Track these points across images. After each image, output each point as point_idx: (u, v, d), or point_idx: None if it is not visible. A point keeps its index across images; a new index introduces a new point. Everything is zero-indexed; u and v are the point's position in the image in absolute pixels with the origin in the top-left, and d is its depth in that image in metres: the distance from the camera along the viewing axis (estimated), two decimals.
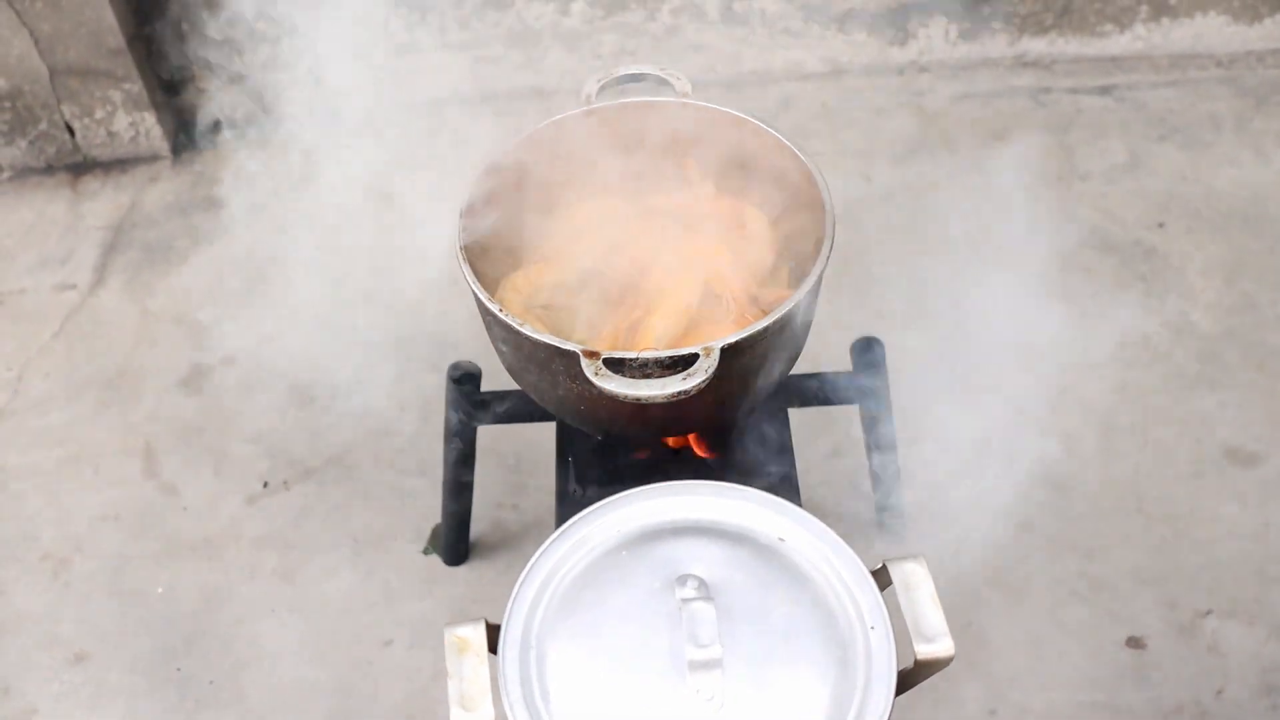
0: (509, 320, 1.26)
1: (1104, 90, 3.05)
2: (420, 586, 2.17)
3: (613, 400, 1.19)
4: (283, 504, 2.29)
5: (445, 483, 2.01)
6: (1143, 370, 2.39)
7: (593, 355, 1.20)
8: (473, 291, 1.31)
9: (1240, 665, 1.99)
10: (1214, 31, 3.08)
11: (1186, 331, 2.48)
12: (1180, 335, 2.47)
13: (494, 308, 1.27)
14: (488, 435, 2.21)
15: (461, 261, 1.33)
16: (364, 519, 2.26)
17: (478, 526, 2.20)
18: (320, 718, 2.01)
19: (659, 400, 1.17)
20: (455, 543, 2.15)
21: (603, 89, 1.53)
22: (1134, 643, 2.03)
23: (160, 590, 2.18)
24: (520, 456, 2.31)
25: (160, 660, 2.09)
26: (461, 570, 2.18)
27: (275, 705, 2.03)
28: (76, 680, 2.07)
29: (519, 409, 1.79)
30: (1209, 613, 2.06)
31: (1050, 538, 2.15)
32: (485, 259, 1.49)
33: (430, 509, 2.22)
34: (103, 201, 2.90)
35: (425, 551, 2.20)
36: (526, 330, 1.25)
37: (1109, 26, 3.07)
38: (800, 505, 1.44)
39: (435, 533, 2.21)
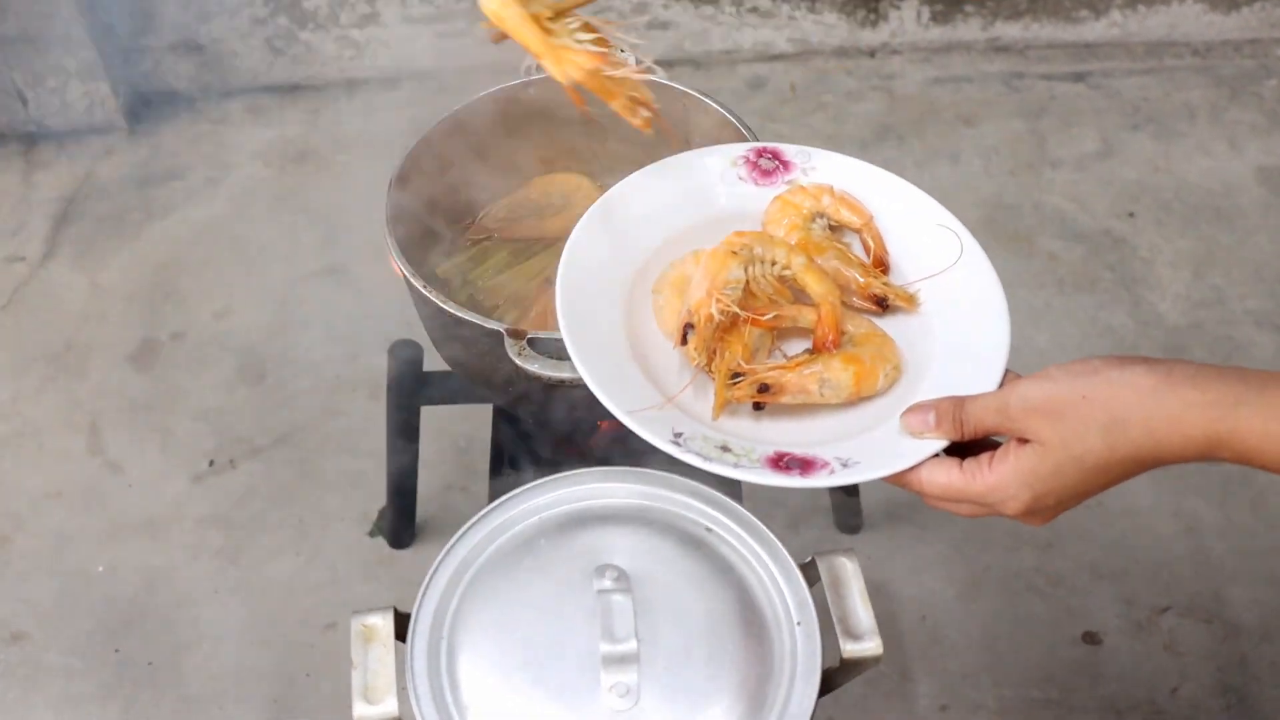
0: (433, 298, 1.22)
1: (1078, 77, 3.02)
2: (366, 569, 2.13)
3: (539, 381, 1.15)
4: (229, 483, 2.24)
5: (389, 464, 1.97)
6: None
7: (517, 335, 1.16)
8: (399, 268, 1.26)
9: (1196, 663, 1.97)
10: (1190, 20, 3.05)
11: (1153, 323, 2.45)
12: (1146, 327, 2.44)
13: (418, 284, 1.23)
14: (439, 417, 2.17)
15: (388, 236, 1.28)
16: (310, 500, 2.21)
17: (427, 509, 2.16)
18: (261, 701, 1.97)
19: (582, 382, 1.12)
20: (401, 525, 2.11)
21: None
22: (1090, 639, 2.00)
23: (101, 570, 2.13)
24: (471, 438, 2.27)
25: (99, 641, 2.05)
26: (407, 553, 2.14)
27: (215, 688, 1.99)
28: (13, 660, 2.03)
29: (460, 389, 1.75)
30: (1167, 609, 2.03)
31: (1008, 531, 2.12)
32: (421, 236, 1.45)
33: (378, 491, 2.17)
34: (55, 172, 2.85)
35: (371, 534, 2.16)
36: (450, 308, 1.21)
37: (1084, 12, 3.03)
38: (741, 493, 1.41)
39: (382, 515, 2.16)
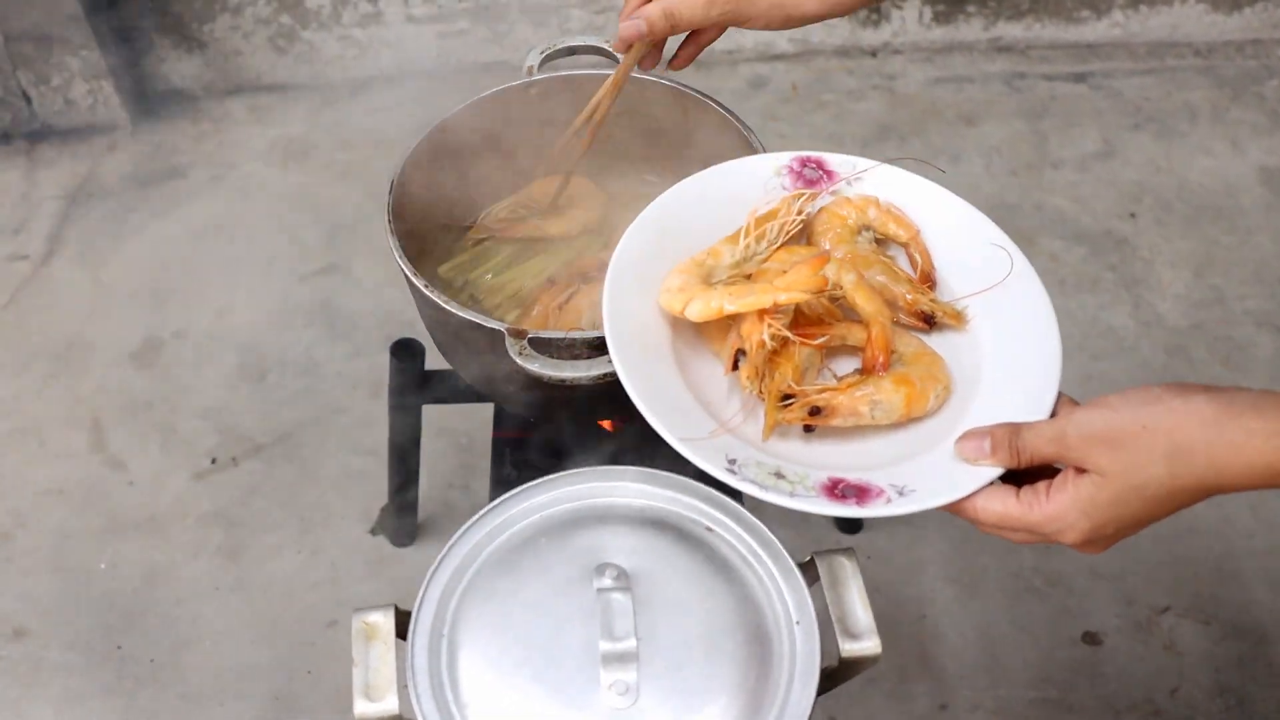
0: (435, 297, 1.22)
1: (1079, 77, 3.02)
2: (367, 567, 2.13)
3: (540, 381, 1.15)
4: (230, 481, 2.25)
5: (390, 462, 1.97)
6: (1109, 362, 2.36)
7: (518, 334, 1.16)
8: (400, 266, 1.26)
9: (1195, 664, 1.97)
10: (1192, 20, 3.05)
11: (1154, 324, 2.45)
12: (1148, 327, 2.44)
13: (419, 283, 1.23)
14: (440, 415, 2.18)
15: (390, 235, 1.28)
16: (312, 498, 2.21)
17: (428, 507, 2.16)
18: (262, 698, 1.98)
19: (584, 382, 1.13)
20: (402, 523, 2.11)
21: (545, 61, 1.49)
22: (1089, 639, 2.00)
23: (103, 567, 2.14)
24: (473, 437, 2.27)
25: (100, 638, 2.05)
26: (409, 551, 2.14)
27: (216, 685, 1.99)
28: (14, 657, 2.03)
29: (461, 388, 1.75)
30: (1166, 610, 2.03)
31: None
32: (423, 235, 1.45)
33: (379, 489, 2.17)
34: (59, 170, 2.85)
35: (373, 532, 2.16)
36: (451, 307, 1.21)
37: (1086, 13, 3.03)
38: (741, 493, 1.40)
39: (384, 513, 2.17)
